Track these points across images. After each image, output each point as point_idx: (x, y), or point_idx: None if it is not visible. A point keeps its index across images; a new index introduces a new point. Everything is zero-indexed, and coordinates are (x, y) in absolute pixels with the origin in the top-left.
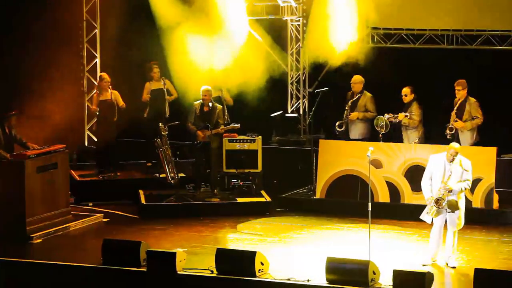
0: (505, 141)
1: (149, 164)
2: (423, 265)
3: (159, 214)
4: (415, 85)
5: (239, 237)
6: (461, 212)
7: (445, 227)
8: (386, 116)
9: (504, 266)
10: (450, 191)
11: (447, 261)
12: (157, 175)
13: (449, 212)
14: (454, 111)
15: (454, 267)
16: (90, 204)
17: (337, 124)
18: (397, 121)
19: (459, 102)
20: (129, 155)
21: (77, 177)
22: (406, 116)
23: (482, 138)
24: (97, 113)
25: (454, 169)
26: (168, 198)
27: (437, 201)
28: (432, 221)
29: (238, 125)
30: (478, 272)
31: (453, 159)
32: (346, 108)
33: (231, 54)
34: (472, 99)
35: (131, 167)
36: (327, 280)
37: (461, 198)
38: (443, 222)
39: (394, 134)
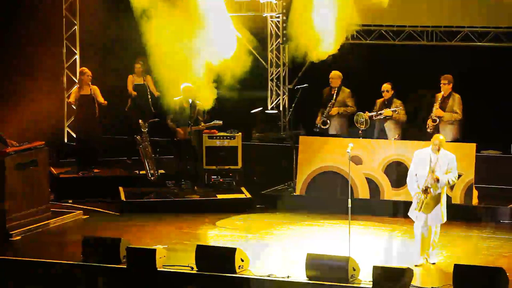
0: (484, 137)
1: (129, 161)
2: (416, 266)
3: (139, 211)
4: (394, 81)
5: (219, 233)
6: (443, 207)
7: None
8: (369, 113)
9: (483, 262)
10: (437, 180)
11: (427, 257)
12: (137, 171)
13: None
14: (438, 104)
15: (433, 263)
16: (70, 201)
17: (320, 121)
18: (383, 117)
19: (442, 96)
20: (110, 152)
21: (57, 174)
22: (394, 111)
23: (462, 135)
24: (75, 107)
25: (440, 158)
26: (148, 195)
27: (425, 190)
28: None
29: (220, 122)
30: (458, 268)
31: (438, 149)
32: (329, 105)
33: (211, 52)
34: (456, 95)
35: (111, 164)
36: (307, 276)
37: (443, 193)
38: (426, 219)
39: (370, 131)
